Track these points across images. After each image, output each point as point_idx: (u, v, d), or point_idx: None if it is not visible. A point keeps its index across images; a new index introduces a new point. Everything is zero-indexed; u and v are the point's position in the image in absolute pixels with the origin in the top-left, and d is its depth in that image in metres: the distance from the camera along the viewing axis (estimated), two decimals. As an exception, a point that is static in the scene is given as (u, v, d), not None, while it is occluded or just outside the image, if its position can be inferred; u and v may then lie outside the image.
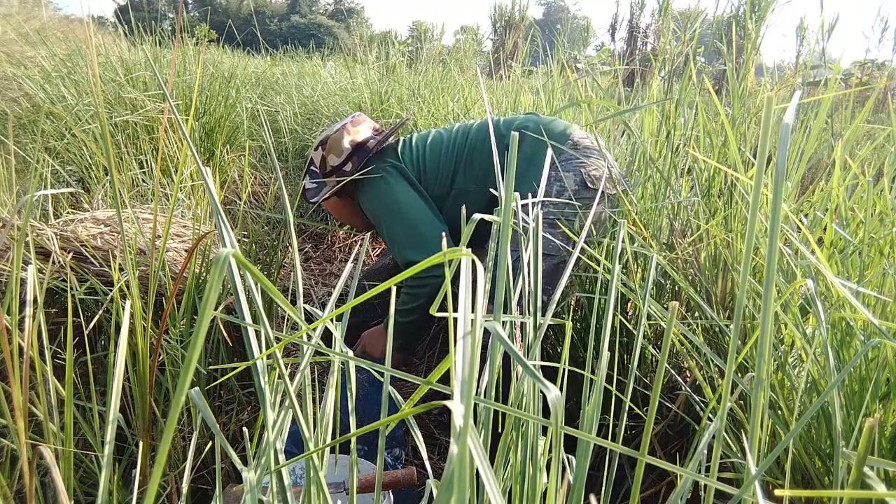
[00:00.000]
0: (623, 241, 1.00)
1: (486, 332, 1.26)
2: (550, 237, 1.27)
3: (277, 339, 0.48)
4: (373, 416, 1.38)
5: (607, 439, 0.50)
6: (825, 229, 0.89)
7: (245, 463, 0.47)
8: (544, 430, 0.52)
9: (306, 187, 1.72)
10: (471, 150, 1.58)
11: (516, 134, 0.49)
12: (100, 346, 1.24)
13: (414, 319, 1.56)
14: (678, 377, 1.03)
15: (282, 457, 0.48)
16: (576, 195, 1.42)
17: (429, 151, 1.64)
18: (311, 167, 1.76)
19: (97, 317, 1.06)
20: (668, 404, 1.08)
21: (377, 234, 2.78)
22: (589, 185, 1.43)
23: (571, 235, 1.32)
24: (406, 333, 1.61)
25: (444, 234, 1.12)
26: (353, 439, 0.49)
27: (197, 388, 0.48)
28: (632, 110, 1.21)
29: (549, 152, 0.76)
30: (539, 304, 0.55)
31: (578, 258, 1.33)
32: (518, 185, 1.44)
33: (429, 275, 1.54)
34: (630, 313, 1.33)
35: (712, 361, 0.91)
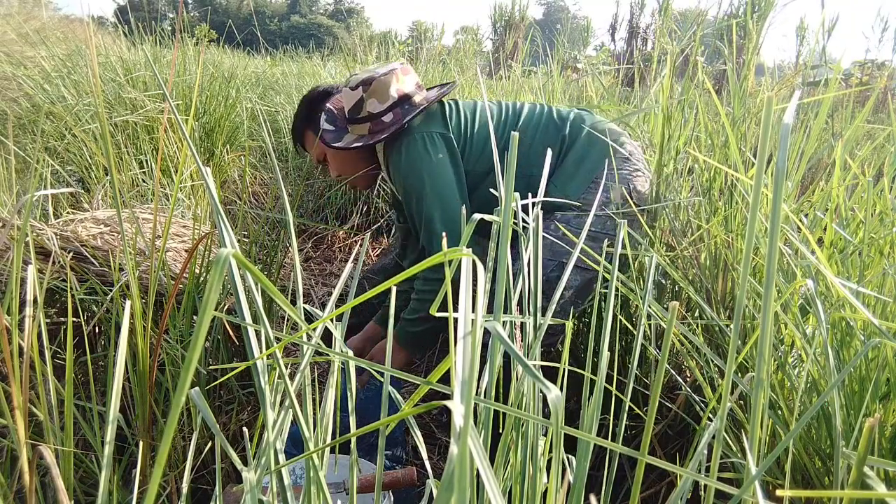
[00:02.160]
0: (624, 246, 1.00)
1: (487, 332, 1.25)
2: (590, 250, 1.20)
3: (277, 339, 0.48)
4: (375, 418, 1.36)
5: (607, 439, 0.50)
6: (825, 229, 0.89)
7: (245, 463, 0.47)
8: (544, 430, 0.52)
9: (324, 128, 1.50)
10: (521, 133, 1.43)
11: (516, 134, 0.49)
12: (100, 346, 1.24)
13: (426, 328, 1.40)
14: (678, 377, 1.03)
15: (282, 457, 0.48)
16: (619, 208, 1.33)
17: (477, 125, 1.46)
18: (331, 106, 1.54)
19: (97, 317, 1.06)
20: (668, 404, 1.08)
21: (377, 232, 2.78)
22: (634, 199, 1.33)
23: (604, 252, 1.29)
24: (419, 343, 1.44)
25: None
26: (353, 439, 0.49)
27: (197, 388, 0.48)
28: (640, 111, 1.21)
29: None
30: (539, 305, 0.55)
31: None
32: (564, 187, 1.35)
33: (440, 276, 1.39)
34: (633, 311, 1.33)
35: (712, 361, 0.91)
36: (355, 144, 1.45)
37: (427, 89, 1.57)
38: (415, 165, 1.39)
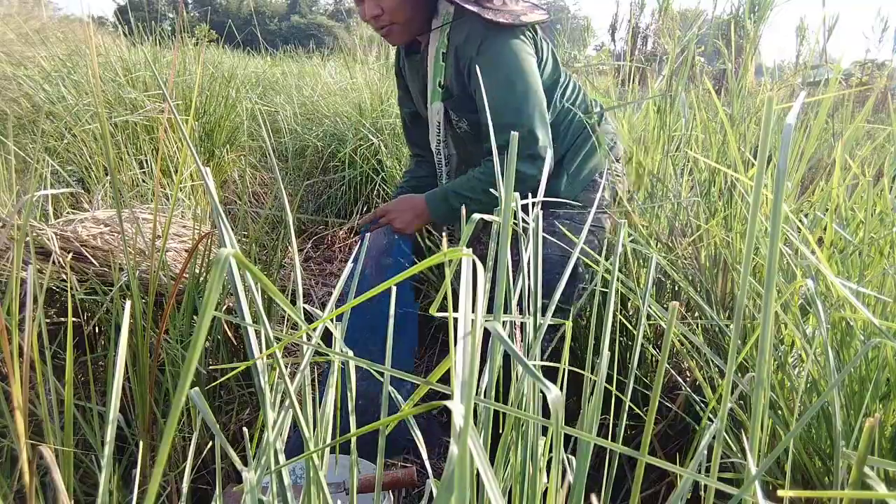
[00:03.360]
0: (623, 244, 1.00)
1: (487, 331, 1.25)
2: (590, 250, 1.19)
3: (277, 339, 0.48)
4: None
5: (607, 439, 0.50)
6: (825, 229, 0.89)
7: (245, 463, 0.47)
8: (544, 430, 0.52)
9: None
10: (565, 112, 1.42)
11: (516, 134, 0.49)
12: (100, 347, 1.24)
13: (456, 208, 1.35)
14: (678, 377, 1.03)
15: (282, 457, 0.48)
16: (608, 209, 1.37)
17: (548, 70, 1.40)
18: None
19: (97, 317, 1.06)
20: (668, 404, 1.08)
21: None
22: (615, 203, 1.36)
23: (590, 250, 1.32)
24: (446, 216, 1.38)
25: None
26: (353, 439, 0.49)
27: (197, 389, 0.48)
28: (629, 103, 1.21)
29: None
30: (539, 304, 0.55)
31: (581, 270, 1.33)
32: (572, 183, 1.37)
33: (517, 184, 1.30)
34: (630, 312, 1.33)
35: (712, 361, 0.91)
36: None
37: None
38: (509, 54, 1.29)
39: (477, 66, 1.26)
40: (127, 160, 1.89)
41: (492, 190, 1.31)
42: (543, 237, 1.27)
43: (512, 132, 0.49)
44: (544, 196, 0.59)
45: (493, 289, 0.49)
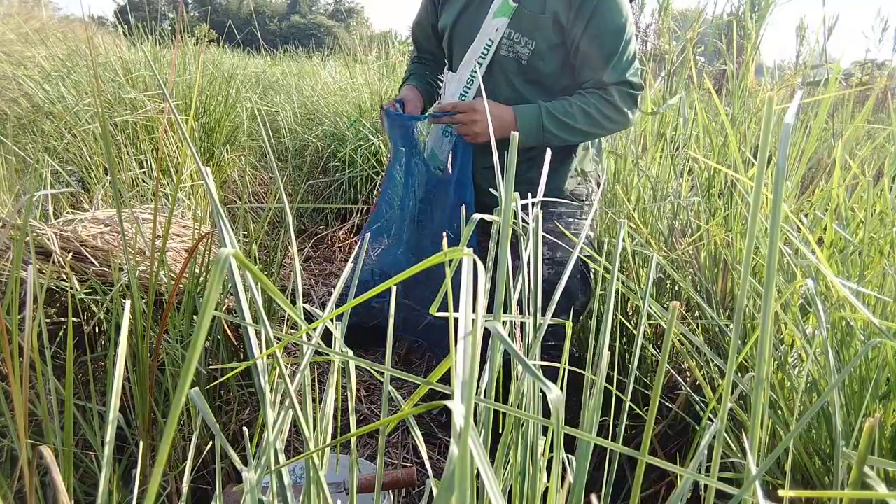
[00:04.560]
0: (623, 242, 1.00)
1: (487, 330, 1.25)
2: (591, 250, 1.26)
3: (277, 339, 0.48)
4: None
5: (607, 439, 0.50)
6: (825, 229, 0.89)
7: (245, 463, 0.47)
8: (544, 430, 0.52)
9: None
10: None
11: (516, 134, 0.49)
12: (100, 347, 1.24)
13: (555, 136, 1.31)
14: (678, 377, 1.03)
15: (282, 456, 0.48)
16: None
17: None
18: None
19: (97, 317, 1.06)
20: (668, 404, 1.08)
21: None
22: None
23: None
24: (537, 134, 1.31)
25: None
26: (354, 439, 0.49)
27: (197, 389, 0.48)
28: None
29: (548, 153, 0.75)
30: (539, 304, 0.55)
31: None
32: (564, 180, 1.43)
33: (616, 124, 1.32)
34: (630, 313, 1.33)
35: (712, 361, 0.91)
36: None
37: None
38: (627, 8, 1.31)
39: (601, 3, 1.26)
40: (127, 160, 1.89)
41: (600, 123, 1.28)
42: (556, 240, 1.28)
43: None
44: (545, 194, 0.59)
45: (494, 289, 0.49)
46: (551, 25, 1.31)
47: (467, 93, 1.43)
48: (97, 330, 1.24)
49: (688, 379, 1.12)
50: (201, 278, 1.18)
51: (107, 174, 1.77)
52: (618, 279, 0.98)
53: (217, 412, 1.25)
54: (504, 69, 1.38)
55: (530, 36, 1.33)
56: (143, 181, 1.87)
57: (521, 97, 1.37)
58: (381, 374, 1.00)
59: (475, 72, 1.40)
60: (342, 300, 1.54)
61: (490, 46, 1.37)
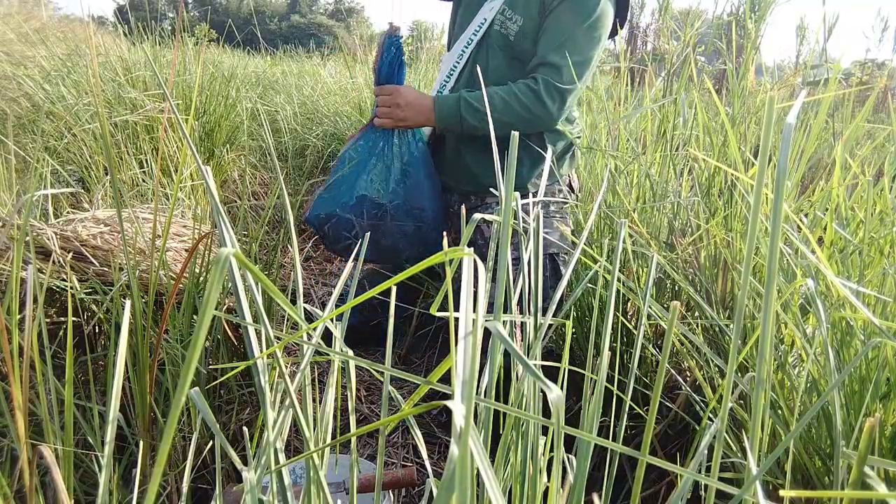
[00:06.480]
0: (623, 242, 1.00)
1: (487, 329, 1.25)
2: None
3: (277, 339, 0.48)
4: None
5: (608, 439, 0.50)
6: (825, 229, 0.89)
7: (245, 463, 0.47)
8: (544, 430, 0.52)
9: None
10: None
11: (516, 134, 0.49)
12: (100, 346, 1.24)
13: (475, 126, 1.33)
14: (678, 377, 1.03)
15: (282, 456, 0.48)
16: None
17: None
18: None
19: (97, 317, 1.06)
20: (668, 404, 1.08)
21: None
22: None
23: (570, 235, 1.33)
24: (455, 124, 1.34)
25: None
26: (354, 439, 0.49)
27: (197, 388, 0.48)
28: (640, 110, 1.21)
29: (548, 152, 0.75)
30: (540, 304, 0.55)
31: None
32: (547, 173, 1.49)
33: (535, 116, 1.32)
34: (630, 313, 1.33)
35: (712, 361, 0.91)
36: None
37: None
38: (605, 14, 1.34)
39: None
40: (127, 160, 1.89)
41: (518, 113, 1.29)
42: (545, 237, 1.30)
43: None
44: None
45: (494, 288, 0.49)
46: (537, 5, 1.36)
47: (456, 68, 1.48)
48: (97, 330, 1.24)
49: (688, 379, 1.12)
50: (201, 278, 1.18)
51: (107, 174, 1.77)
52: (618, 279, 0.98)
53: (217, 412, 1.25)
54: (494, 44, 1.43)
55: (521, 13, 1.37)
56: (143, 181, 1.87)
57: (507, 74, 1.40)
58: (381, 373, 1.00)
59: (465, 48, 1.44)
60: (342, 300, 1.53)
61: (483, 25, 1.42)
